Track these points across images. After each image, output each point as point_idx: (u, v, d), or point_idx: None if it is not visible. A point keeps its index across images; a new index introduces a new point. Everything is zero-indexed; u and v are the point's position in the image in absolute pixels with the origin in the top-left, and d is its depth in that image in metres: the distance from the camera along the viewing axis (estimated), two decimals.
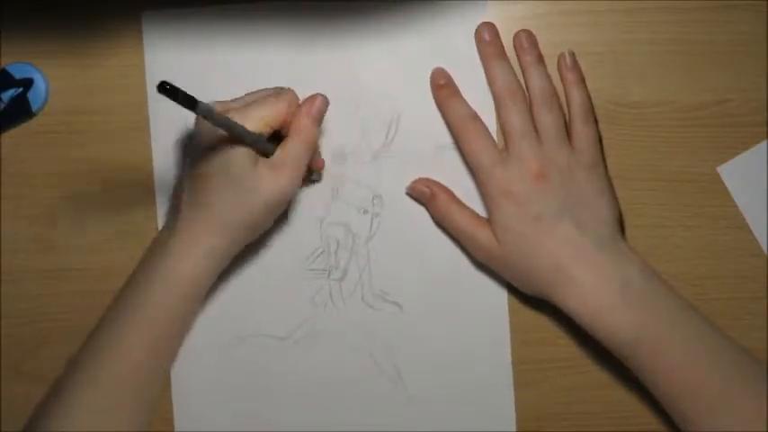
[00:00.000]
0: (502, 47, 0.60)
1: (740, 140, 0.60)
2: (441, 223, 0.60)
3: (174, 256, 0.55)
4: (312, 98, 0.56)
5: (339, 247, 0.61)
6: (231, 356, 0.61)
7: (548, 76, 0.60)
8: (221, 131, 0.53)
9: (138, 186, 0.61)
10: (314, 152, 0.57)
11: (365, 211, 0.61)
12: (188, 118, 0.57)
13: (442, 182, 0.60)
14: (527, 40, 0.60)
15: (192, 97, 0.47)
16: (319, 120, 0.56)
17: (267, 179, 0.54)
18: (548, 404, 0.61)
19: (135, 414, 0.57)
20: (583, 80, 0.60)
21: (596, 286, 0.55)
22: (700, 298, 0.58)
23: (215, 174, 0.54)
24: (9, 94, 0.59)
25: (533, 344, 0.61)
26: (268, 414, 0.61)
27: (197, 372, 0.61)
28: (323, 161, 0.61)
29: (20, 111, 0.60)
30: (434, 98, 0.61)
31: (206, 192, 0.55)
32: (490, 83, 0.60)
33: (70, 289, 0.62)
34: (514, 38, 0.60)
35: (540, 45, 0.60)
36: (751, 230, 0.60)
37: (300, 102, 0.56)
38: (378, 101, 0.61)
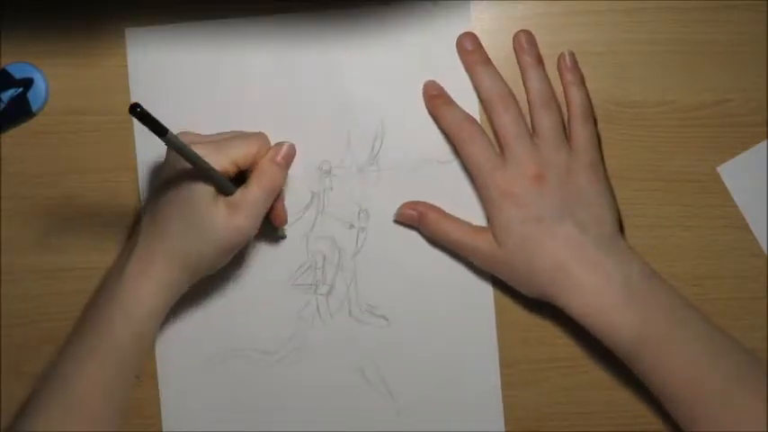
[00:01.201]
0: (485, 54, 0.60)
1: (740, 140, 0.60)
2: (436, 240, 0.60)
3: (127, 286, 0.55)
4: (279, 145, 0.56)
5: (326, 261, 0.61)
6: (218, 371, 0.61)
7: (546, 78, 0.60)
8: (186, 164, 0.52)
9: (138, 186, 0.62)
10: (277, 200, 0.57)
11: (351, 226, 0.61)
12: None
13: (429, 195, 0.60)
14: (527, 40, 0.60)
15: (162, 125, 0.47)
16: (285, 166, 0.56)
17: (222, 218, 0.53)
18: (548, 404, 0.61)
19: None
20: (582, 81, 0.60)
21: (598, 287, 0.55)
22: (700, 298, 0.58)
23: (175, 204, 0.54)
24: (9, 94, 0.59)
25: (533, 343, 0.61)
26: (255, 428, 0.61)
27: (185, 385, 0.61)
28: (286, 216, 0.59)
29: (20, 111, 0.60)
30: (428, 109, 0.60)
31: (164, 221, 0.54)
32: (477, 89, 0.60)
33: (70, 289, 0.62)
34: (514, 38, 0.60)
35: (540, 45, 0.60)
36: (751, 230, 0.60)
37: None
38: (363, 114, 0.61)
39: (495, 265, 0.58)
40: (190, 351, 0.61)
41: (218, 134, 0.56)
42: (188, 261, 0.55)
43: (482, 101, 0.60)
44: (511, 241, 0.57)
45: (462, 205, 0.60)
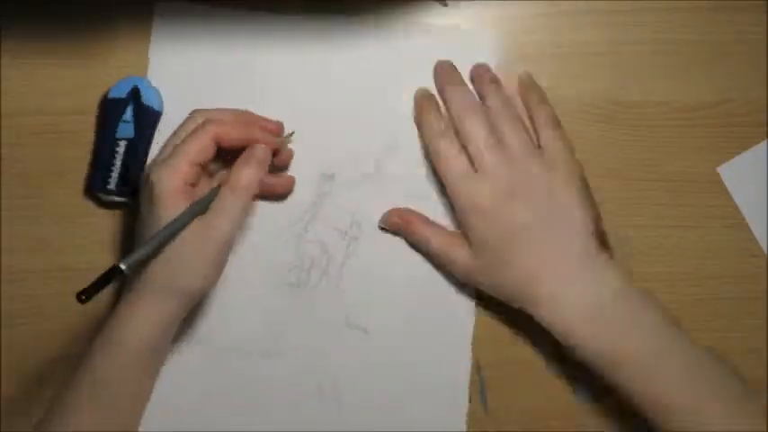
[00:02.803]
0: (459, 76, 0.60)
1: (740, 140, 0.60)
2: (417, 247, 0.60)
3: (117, 328, 0.54)
4: (251, 149, 0.56)
5: (313, 265, 0.61)
6: (193, 368, 0.60)
7: (506, 96, 0.59)
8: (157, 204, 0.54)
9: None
10: (274, 175, 0.58)
11: (345, 234, 0.61)
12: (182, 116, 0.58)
13: (431, 210, 0.60)
14: (482, 67, 0.60)
15: (109, 271, 0.49)
16: (258, 169, 0.55)
17: (203, 240, 0.53)
18: (547, 404, 0.61)
19: None
20: (545, 97, 0.60)
21: (569, 301, 0.55)
22: (700, 298, 0.59)
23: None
24: (129, 112, 0.59)
25: (530, 343, 0.60)
26: (236, 424, 0.60)
27: (166, 383, 0.60)
28: (290, 185, 0.60)
29: (149, 118, 0.60)
30: (415, 109, 0.60)
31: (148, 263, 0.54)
32: (447, 104, 0.59)
33: (70, 289, 0.61)
34: (472, 71, 0.60)
35: (541, 45, 0.60)
36: (751, 230, 0.60)
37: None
38: (373, 125, 0.61)
39: (471, 274, 0.58)
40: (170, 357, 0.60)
41: (166, 143, 0.56)
42: (176, 292, 0.54)
43: (451, 113, 0.59)
44: (486, 253, 0.57)
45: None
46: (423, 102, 0.60)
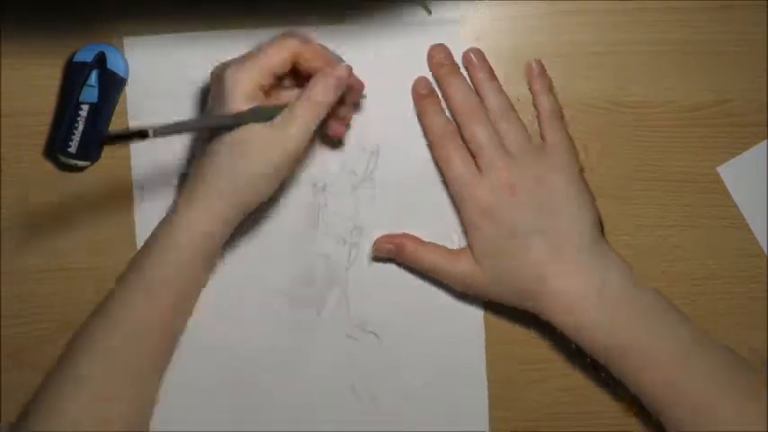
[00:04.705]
0: (456, 65, 0.60)
1: (740, 140, 0.60)
2: (416, 269, 0.60)
3: (174, 219, 0.55)
4: (335, 66, 0.55)
5: (318, 276, 0.61)
6: (210, 385, 0.61)
7: (501, 91, 0.59)
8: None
9: (137, 185, 0.62)
10: (329, 108, 0.55)
11: (344, 242, 0.61)
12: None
13: (424, 211, 0.60)
14: (476, 56, 0.60)
15: (141, 130, 0.47)
16: (337, 87, 0.54)
17: (269, 144, 0.53)
18: (548, 404, 0.61)
19: (149, 380, 0.58)
20: (551, 86, 0.60)
21: (573, 294, 0.55)
22: (700, 298, 0.59)
23: (221, 138, 0.53)
24: (94, 76, 0.59)
25: (534, 344, 0.61)
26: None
27: (179, 397, 0.60)
28: (361, 84, 0.58)
29: (113, 84, 0.60)
30: (416, 107, 0.60)
31: (211, 155, 0.54)
32: (448, 101, 0.59)
33: (70, 289, 0.62)
34: (464, 56, 0.60)
35: (541, 45, 0.60)
36: (751, 230, 0.60)
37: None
38: (359, 131, 0.61)
39: (476, 287, 0.58)
40: (182, 363, 0.60)
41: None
42: (238, 192, 0.54)
43: (453, 112, 0.59)
44: (489, 261, 0.57)
45: (452, 224, 0.60)
46: (424, 103, 0.60)
